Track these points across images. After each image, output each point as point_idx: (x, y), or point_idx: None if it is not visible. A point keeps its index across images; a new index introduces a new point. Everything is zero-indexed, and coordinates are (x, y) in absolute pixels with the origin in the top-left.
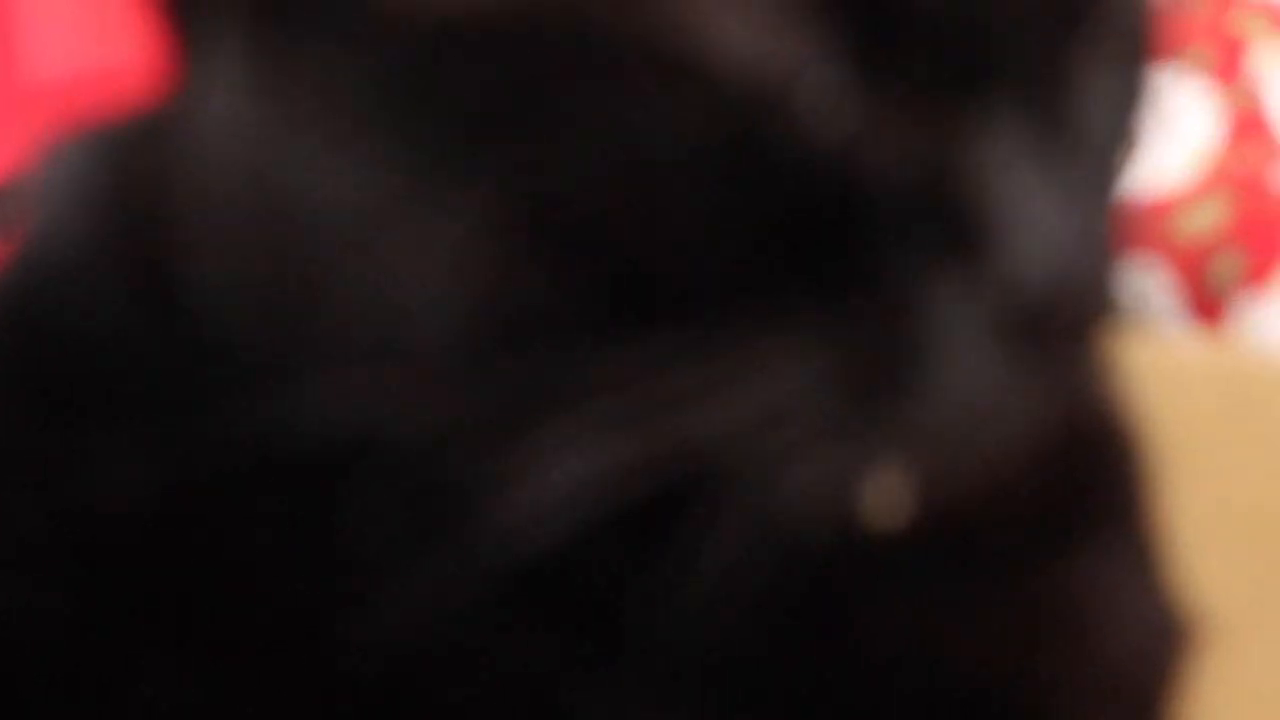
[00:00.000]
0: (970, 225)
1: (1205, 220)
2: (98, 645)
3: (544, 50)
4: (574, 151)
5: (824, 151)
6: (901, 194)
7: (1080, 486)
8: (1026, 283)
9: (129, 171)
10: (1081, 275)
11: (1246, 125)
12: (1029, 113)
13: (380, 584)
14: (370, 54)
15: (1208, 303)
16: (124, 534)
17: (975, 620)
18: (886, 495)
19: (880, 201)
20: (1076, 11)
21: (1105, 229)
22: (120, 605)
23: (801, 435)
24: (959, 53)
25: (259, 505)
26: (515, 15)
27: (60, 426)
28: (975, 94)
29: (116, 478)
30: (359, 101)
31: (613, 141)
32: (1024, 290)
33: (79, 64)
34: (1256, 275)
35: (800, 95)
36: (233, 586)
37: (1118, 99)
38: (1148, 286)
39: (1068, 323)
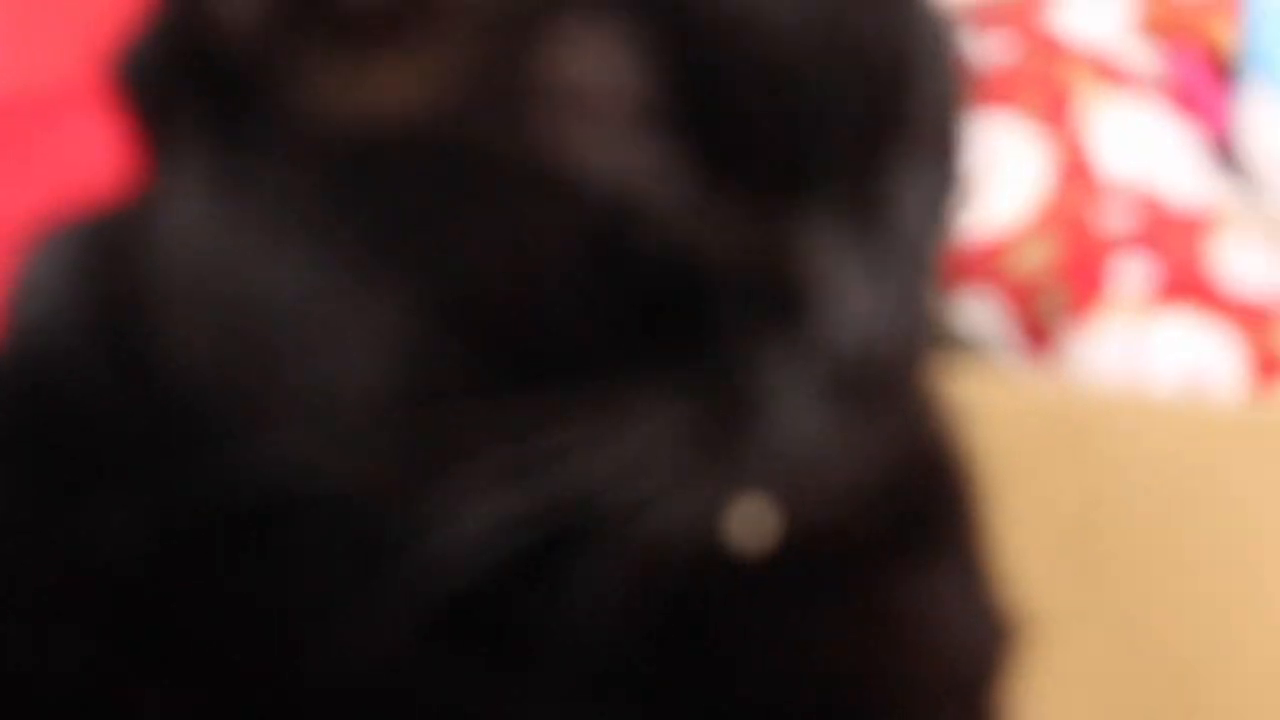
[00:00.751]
0: (794, 302)
1: (1036, 258)
2: (105, 681)
3: (444, 168)
4: (470, 249)
5: (673, 245)
6: (738, 278)
7: (915, 512)
8: (843, 347)
9: (107, 262)
10: (894, 339)
11: (1073, 170)
12: (847, 207)
13: (321, 620)
14: (307, 171)
15: (1039, 334)
16: (118, 578)
17: (825, 629)
18: (743, 523)
19: (720, 284)
20: (890, 120)
21: (918, 298)
22: (119, 643)
23: (660, 479)
24: (786, 160)
25: (222, 551)
26: (420, 140)
27: (59, 488)
28: (800, 193)
29: (108, 529)
30: (299, 208)
31: (501, 240)
32: (841, 353)
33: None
34: (1080, 309)
35: (652, 200)
36: (208, 624)
37: (929, 185)
38: (985, 319)
39: (886, 377)
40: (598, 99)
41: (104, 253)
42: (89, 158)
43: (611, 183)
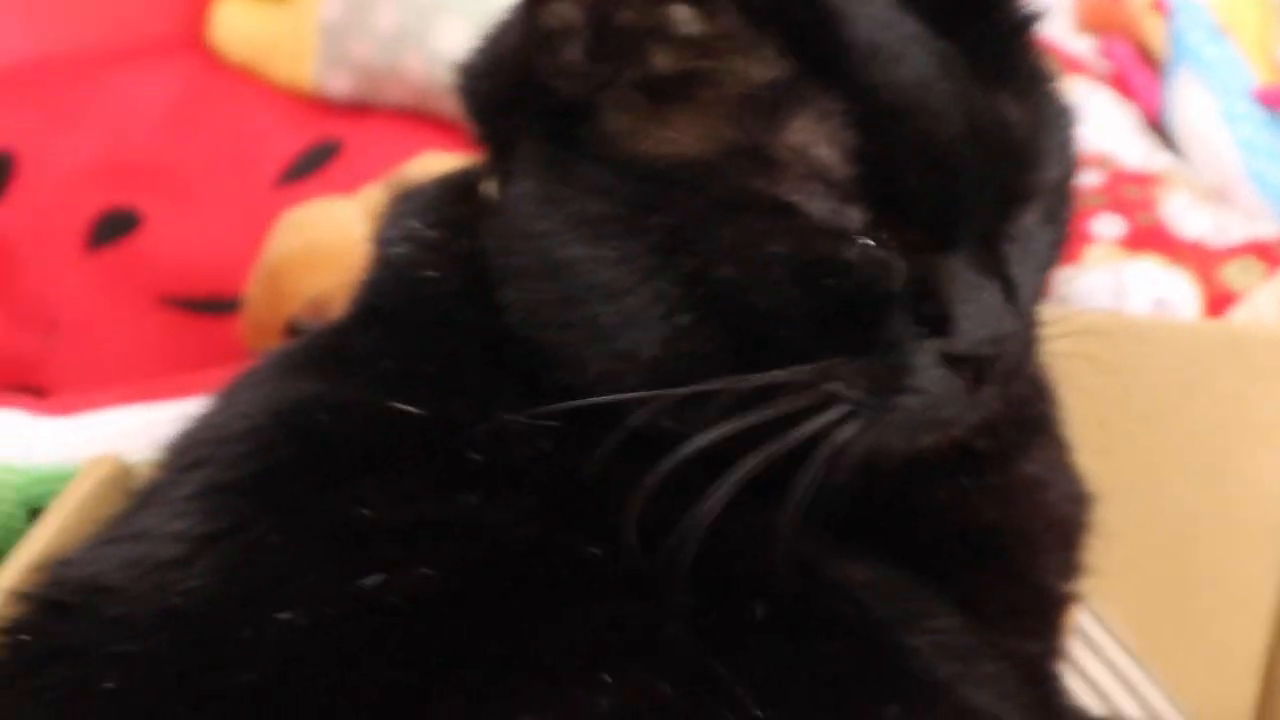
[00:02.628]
0: (939, 312)
1: None
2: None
3: (711, 198)
4: (725, 258)
5: (863, 269)
6: (902, 295)
7: (1030, 418)
8: (969, 342)
9: (459, 225)
10: (1007, 341)
11: None
12: (981, 250)
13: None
14: (612, 178)
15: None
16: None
17: (982, 494)
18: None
19: (892, 299)
20: (1018, 194)
21: (1028, 314)
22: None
23: (849, 414)
24: (940, 217)
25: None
26: (693, 170)
27: (441, 381)
28: (948, 242)
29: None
30: (603, 207)
31: (748, 253)
32: (968, 347)
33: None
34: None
35: (849, 237)
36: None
37: (1044, 240)
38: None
39: (1003, 359)
40: (816, 163)
41: (458, 209)
42: (135, 109)
43: (824, 221)
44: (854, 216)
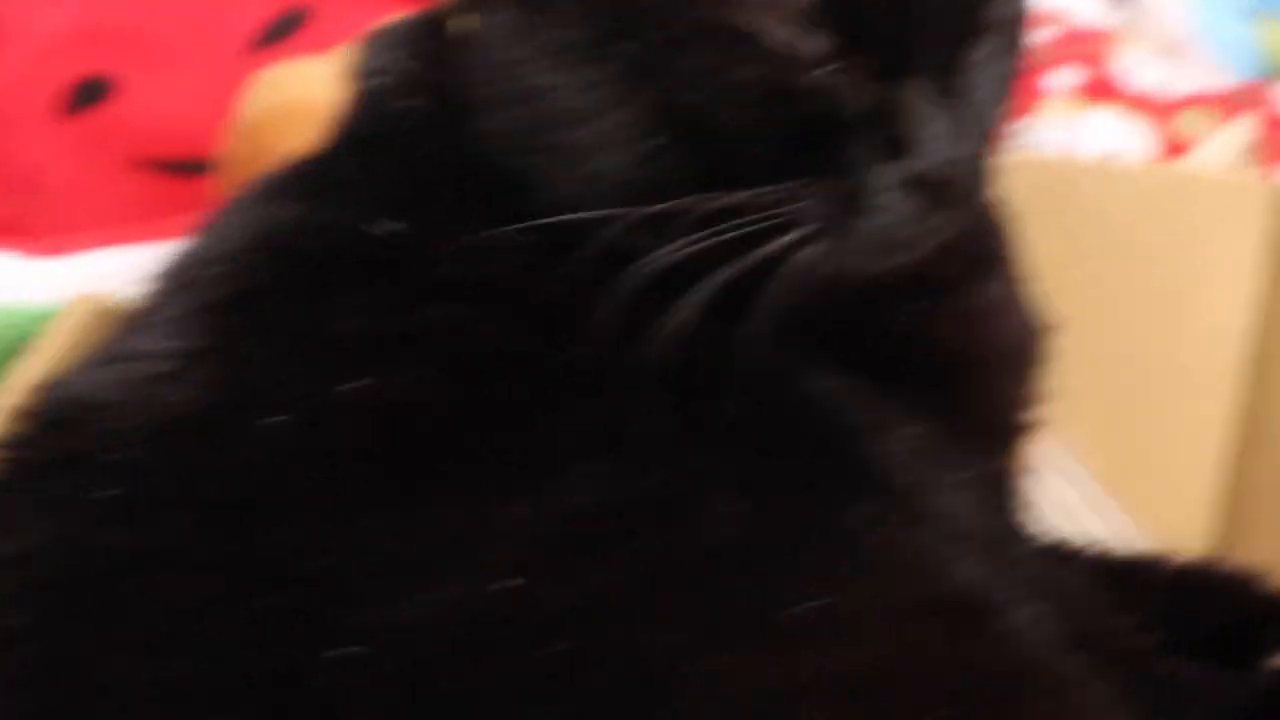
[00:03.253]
0: (897, 137)
1: None
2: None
3: (676, 26)
4: (689, 80)
5: (824, 95)
6: (862, 121)
7: (981, 248)
8: (926, 164)
9: (434, 59)
10: (962, 166)
11: None
12: (937, 80)
13: (585, 298)
14: (583, 8)
15: None
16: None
17: (940, 317)
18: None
19: (852, 124)
20: (972, 28)
21: (982, 140)
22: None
23: (810, 234)
24: (899, 48)
25: (523, 255)
26: (660, 6)
27: (405, 201)
28: (907, 68)
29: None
30: (575, 35)
31: (712, 78)
32: (925, 169)
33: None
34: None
35: (810, 64)
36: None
37: (997, 74)
38: None
39: (957, 184)
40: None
41: (436, 46)
42: None
43: (785, 48)
44: (815, 44)
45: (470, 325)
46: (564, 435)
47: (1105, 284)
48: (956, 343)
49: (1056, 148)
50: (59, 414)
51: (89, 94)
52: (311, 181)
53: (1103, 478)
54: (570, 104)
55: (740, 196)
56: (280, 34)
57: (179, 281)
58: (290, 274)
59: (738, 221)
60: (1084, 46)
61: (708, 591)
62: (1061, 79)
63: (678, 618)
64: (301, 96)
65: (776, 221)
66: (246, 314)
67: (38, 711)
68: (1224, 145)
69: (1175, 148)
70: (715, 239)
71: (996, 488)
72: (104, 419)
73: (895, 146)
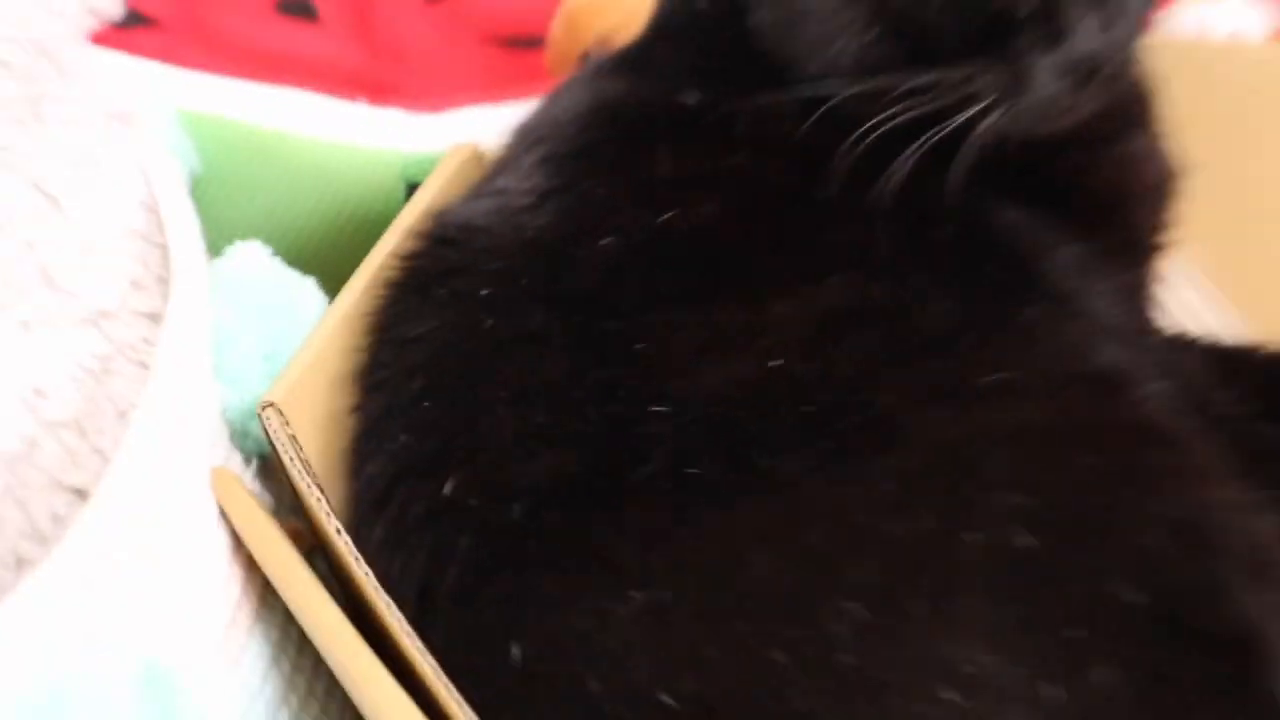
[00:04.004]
0: (1054, 31)
1: None
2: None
3: None
4: None
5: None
6: (1028, 18)
7: (1130, 110)
8: (1076, 55)
9: None
10: (1108, 53)
11: None
12: None
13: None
14: None
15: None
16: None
17: (1099, 160)
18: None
19: (1019, 21)
20: None
21: (1130, 30)
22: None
23: (988, 106)
24: None
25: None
26: None
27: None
28: None
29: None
30: None
31: None
32: (1075, 58)
33: None
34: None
35: None
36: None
37: None
38: None
39: (1102, 67)
40: None
41: None
42: None
43: None
44: None
45: (754, 169)
46: (819, 253)
47: (1232, 146)
48: (1109, 182)
49: (1192, 31)
50: (444, 234)
51: None
52: (633, 63)
53: (1219, 285)
54: (815, 9)
55: (933, 76)
56: None
57: (533, 137)
58: (619, 132)
59: (938, 95)
60: None
61: (926, 366)
62: None
63: (903, 385)
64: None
65: (962, 95)
66: (587, 162)
67: (426, 448)
68: None
69: None
70: (921, 107)
71: (1137, 292)
72: (480, 238)
73: (1055, 39)
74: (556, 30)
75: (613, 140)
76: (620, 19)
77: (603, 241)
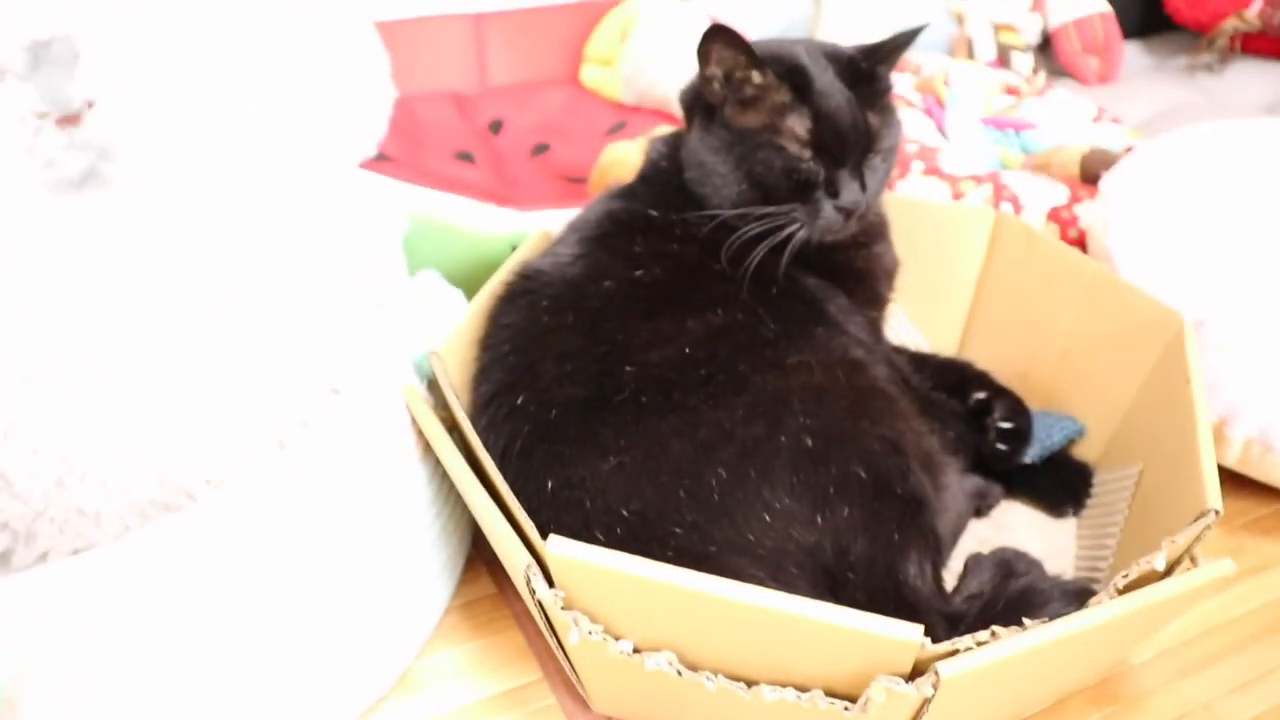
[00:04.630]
0: (834, 190)
1: None
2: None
3: (756, 139)
4: (759, 163)
5: (807, 172)
6: (822, 183)
7: (874, 230)
8: (845, 202)
9: (677, 148)
10: (864, 201)
11: None
12: (856, 168)
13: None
14: (724, 132)
15: None
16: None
17: (857, 255)
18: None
19: (817, 183)
20: (871, 148)
21: (875, 192)
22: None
23: (801, 225)
24: (838, 155)
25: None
26: (753, 131)
27: (655, 201)
28: (843, 162)
29: (670, 218)
30: (719, 143)
31: (766, 162)
32: (844, 203)
33: None
34: None
35: (803, 160)
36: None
37: (882, 168)
38: None
39: (857, 210)
40: (793, 132)
41: (674, 144)
42: (550, 103)
43: (796, 152)
44: (806, 153)
45: (683, 252)
46: (712, 297)
47: (919, 251)
48: (862, 267)
49: (907, 194)
50: (525, 273)
51: (541, 150)
52: (625, 193)
53: (914, 321)
54: (715, 169)
55: (776, 208)
56: (615, 130)
57: (573, 227)
58: (615, 227)
59: (774, 219)
60: (925, 154)
61: (763, 354)
62: (915, 166)
63: (750, 361)
64: (622, 155)
65: (787, 220)
66: (599, 242)
67: (509, 379)
68: (980, 199)
69: (956, 196)
70: (765, 225)
71: (875, 324)
72: (543, 276)
73: (834, 194)
74: (592, 175)
75: (613, 232)
76: (624, 172)
77: (605, 284)
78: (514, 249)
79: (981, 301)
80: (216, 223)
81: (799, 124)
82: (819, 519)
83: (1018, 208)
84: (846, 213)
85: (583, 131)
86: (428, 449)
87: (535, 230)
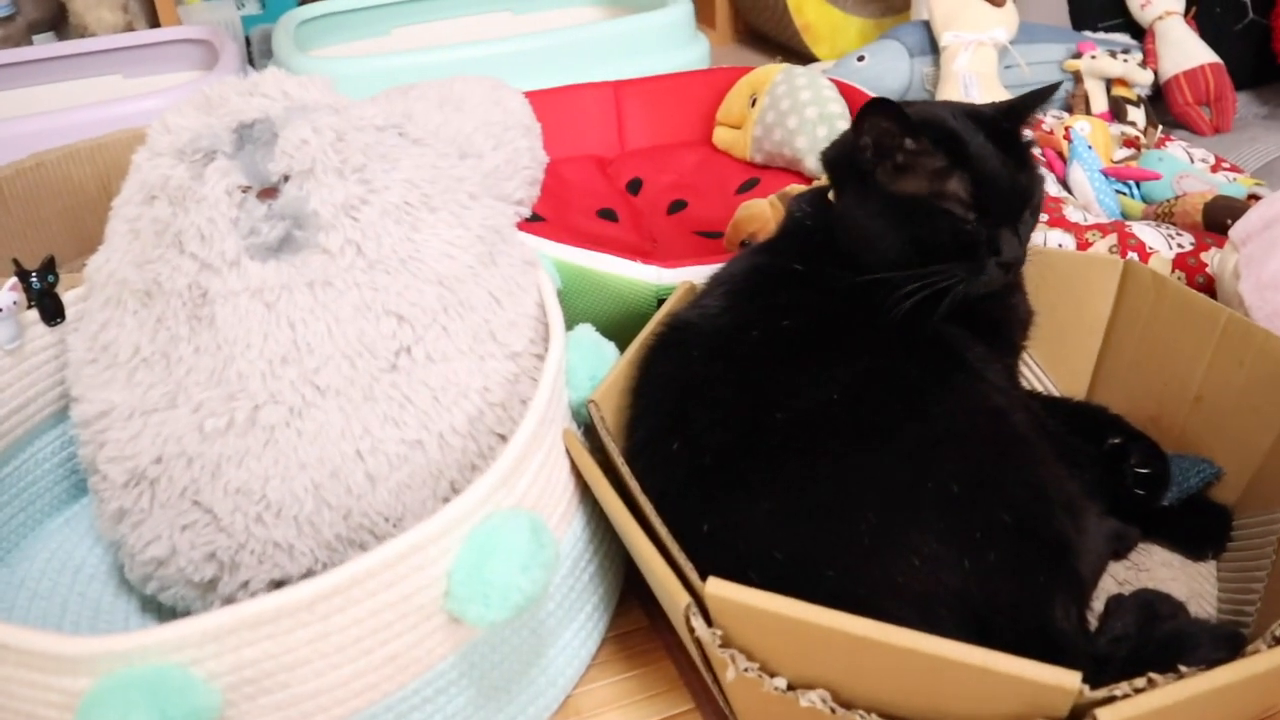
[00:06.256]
0: (995, 248)
1: None
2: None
3: (917, 205)
4: (921, 227)
5: (971, 233)
6: (985, 241)
7: (1017, 283)
8: (1005, 258)
9: (820, 206)
10: (1018, 257)
11: None
12: (1011, 225)
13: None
14: (881, 197)
15: None
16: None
17: (1003, 307)
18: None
19: (980, 242)
20: (1026, 205)
21: (1025, 248)
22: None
23: (962, 281)
24: (998, 214)
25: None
26: (912, 197)
27: (805, 260)
28: (1000, 221)
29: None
30: (876, 207)
31: (931, 225)
32: (1005, 259)
33: None
34: None
35: (967, 221)
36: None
37: (1030, 222)
38: None
39: (1015, 265)
40: (956, 194)
41: (815, 202)
42: (684, 163)
43: (959, 215)
44: (970, 215)
45: (826, 304)
46: (857, 347)
47: (1052, 301)
48: (1001, 316)
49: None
50: (674, 324)
51: (677, 207)
52: (770, 248)
53: (1048, 368)
54: (873, 231)
55: (939, 268)
56: (747, 188)
57: (718, 280)
58: (763, 280)
59: (935, 277)
60: (1048, 206)
61: (909, 400)
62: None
63: (896, 408)
64: (756, 212)
65: (950, 278)
66: (746, 294)
67: (664, 426)
68: (1104, 246)
69: (1083, 246)
70: (926, 282)
71: (1012, 371)
72: (692, 327)
73: (994, 250)
74: (729, 231)
75: (759, 285)
76: (757, 226)
77: (753, 333)
78: (660, 301)
79: (1111, 347)
80: (400, 278)
81: (960, 187)
82: (966, 563)
83: (1144, 256)
84: (1006, 268)
85: (715, 189)
86: (586, 491)
87: (680, 283)
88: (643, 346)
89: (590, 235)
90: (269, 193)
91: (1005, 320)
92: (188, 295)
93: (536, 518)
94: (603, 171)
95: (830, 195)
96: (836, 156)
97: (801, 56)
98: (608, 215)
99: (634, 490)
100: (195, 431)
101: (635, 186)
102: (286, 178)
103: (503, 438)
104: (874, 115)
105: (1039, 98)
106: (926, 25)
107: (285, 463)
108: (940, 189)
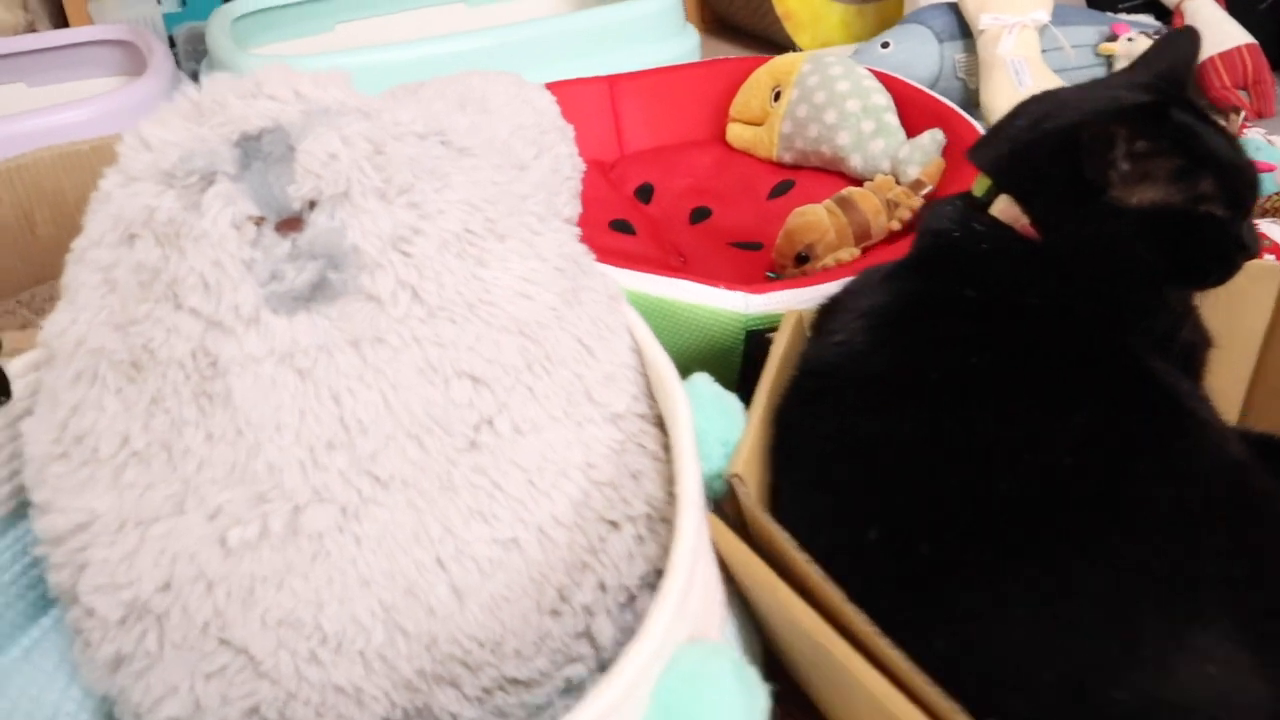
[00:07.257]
0: (1242, 240)
1: None
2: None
3: (1166, 214)
4: (1173, 233)
5: (1227, 225)
6: (1238, 232)
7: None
8: (1248, 243)
9: (971, 219)
10: (1256, 243)
11: None
12: (1244, 223)
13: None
14: (1119, 217)
15: None
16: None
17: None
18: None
19: (1235, 234)
20: (1256, 180)
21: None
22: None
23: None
24: (1241, 205)
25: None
26: (1154, 208)
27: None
28: (1244, 212)
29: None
30: (1114, 230)
31: (1187, 230)
32: (1248, 244)
33: None
34: None
35: (1223, 218)
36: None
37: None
38: None
39: (1253, 250)
40: (1208, 192)
41: (963, 213)
42: (699, 165)
43: (1217, 212)
44: (1223, 210)
45: (1015, 338)
46: (1070, 392)
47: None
48: (1189, 336)
49: None
50: (815, 368)
51: (700, 215)
52: (916, 271)
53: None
54: (1127, 257)
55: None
56: (780, 192)
57: (849, 309)
58: (921, 310)
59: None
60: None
61: (1147, 457)
62: None
63: (1138, 468)
64: (811, 219)
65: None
66: (901, 327)
67: (847, 509)
68: None
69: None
70: (1178, 303)
71: (1210, 405)
72: (837, 373)
73: (1241, 245)
74: (780, 242)
75: (918, 316)
76: (816, 237)
77: (931, 376)
78: (749, 335)
79: (1268, 366)
80: (470, 328)
81: (1207, 185)
82: (1266, 665)
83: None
84: (1250, 251)
85: (742, 194)
86: (734, 592)
87: (787, 312)
88: (777, 398)
89: (607, 251)
90: (291, 224)
91: (1195, 343)
92: (192, 365)
93: (738, 658)
94: (605, 177)
95: (993, 208)
96: (1019, 169)
97: (778, 47)
98: (622, 227)
99: (832, 600)
100: (215, 545)
101: (646, 193)
102: (313, 204)
103: (614, 525)
104: (1124, 127)
105: (1181, 52)
106: (951, 7)
107: (342, 580)
108: (1193, 192)
